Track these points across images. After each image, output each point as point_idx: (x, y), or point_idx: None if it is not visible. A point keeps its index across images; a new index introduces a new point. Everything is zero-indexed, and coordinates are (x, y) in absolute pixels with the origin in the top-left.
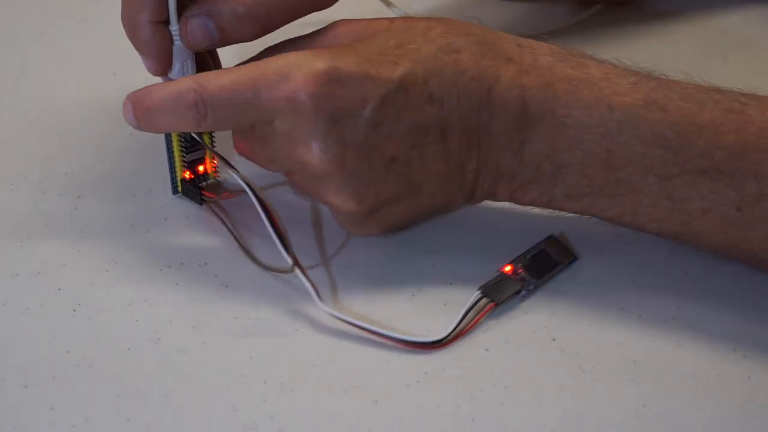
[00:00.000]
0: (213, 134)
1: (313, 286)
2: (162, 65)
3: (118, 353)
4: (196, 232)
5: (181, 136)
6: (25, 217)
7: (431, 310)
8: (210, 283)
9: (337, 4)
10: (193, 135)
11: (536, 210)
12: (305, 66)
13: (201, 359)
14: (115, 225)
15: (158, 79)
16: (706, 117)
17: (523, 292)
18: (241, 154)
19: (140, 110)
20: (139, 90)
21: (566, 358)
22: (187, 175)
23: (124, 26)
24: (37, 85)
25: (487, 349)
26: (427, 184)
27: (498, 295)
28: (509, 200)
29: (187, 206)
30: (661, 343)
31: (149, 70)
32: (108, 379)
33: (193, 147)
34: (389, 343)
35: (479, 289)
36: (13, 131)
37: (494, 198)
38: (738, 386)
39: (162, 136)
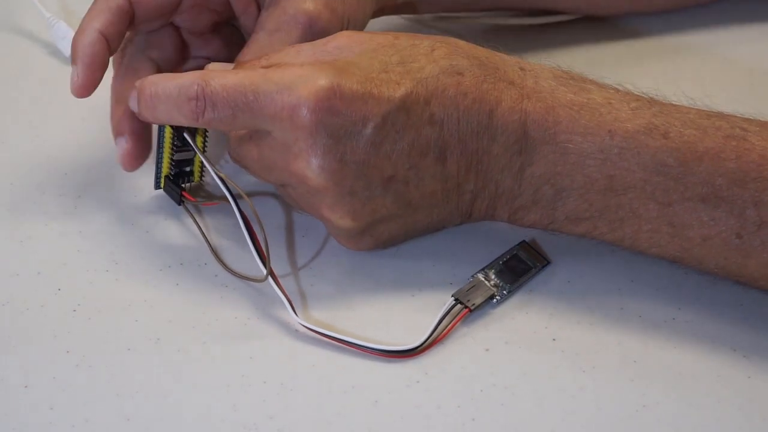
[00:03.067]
0: (206, 138)
1: (287, 297)
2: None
3: (118, 353)
4: (196, 232)
5: (174, 134)
6: (25, 217)
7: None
8: (210, 283)
9: None
10: (186, 136)
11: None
12: (309, 81)
13: (201, 359)
14: (115, 225)
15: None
16: (707, 144)
17: (497, 298)
18: (237, 162)
19: (145, 97)
20: (147, 77)
21: (566, 358)
22: (172, 173)
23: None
24: (37, 85)
25: (487, 349)
26: (424, 204)
27: (471, 301)
28: (509, 221)
29: (188, 207)
30: (661, 343)
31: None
32: (108, 379)
33: (183, 146)
34: (363, 352)
35: (453, 295)
36: (13, 131)
37: (493, 218)
38: (738, 386)
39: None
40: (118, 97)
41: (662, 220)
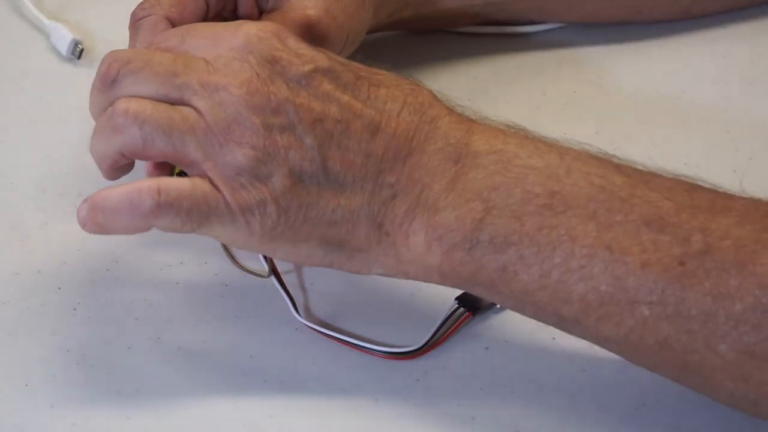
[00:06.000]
0: None
1: (289, 296)
2: None
3: (118, 352)
4: None
5: None
6: (25, 217)
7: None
8: (210, 283)
9: None
10: None
11: None
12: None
13: (201, 359)
14: None
15: None
16: (657, 181)
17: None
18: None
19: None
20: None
21: (566, 358)
22: (180, 172)
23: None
24: (37, 84)
25: (487, 349)
26: (338, 172)
27: (474, 306)
28: (423, 245)
29: None
30: None
31: None
32: (108, 378)
33: None
34: (363, 353)
35: (456, 299)
36: (13, 131)
37: (407, 237)
38: None
39: None
40: None
41: (599, 244)
